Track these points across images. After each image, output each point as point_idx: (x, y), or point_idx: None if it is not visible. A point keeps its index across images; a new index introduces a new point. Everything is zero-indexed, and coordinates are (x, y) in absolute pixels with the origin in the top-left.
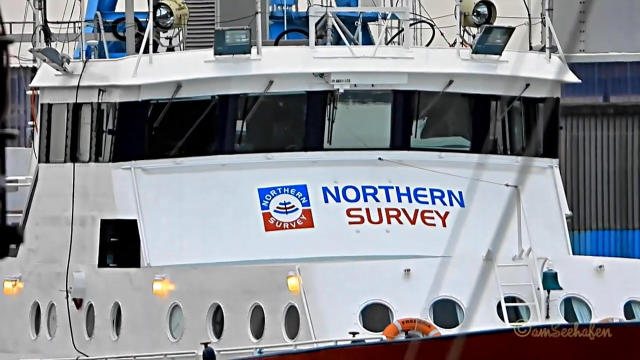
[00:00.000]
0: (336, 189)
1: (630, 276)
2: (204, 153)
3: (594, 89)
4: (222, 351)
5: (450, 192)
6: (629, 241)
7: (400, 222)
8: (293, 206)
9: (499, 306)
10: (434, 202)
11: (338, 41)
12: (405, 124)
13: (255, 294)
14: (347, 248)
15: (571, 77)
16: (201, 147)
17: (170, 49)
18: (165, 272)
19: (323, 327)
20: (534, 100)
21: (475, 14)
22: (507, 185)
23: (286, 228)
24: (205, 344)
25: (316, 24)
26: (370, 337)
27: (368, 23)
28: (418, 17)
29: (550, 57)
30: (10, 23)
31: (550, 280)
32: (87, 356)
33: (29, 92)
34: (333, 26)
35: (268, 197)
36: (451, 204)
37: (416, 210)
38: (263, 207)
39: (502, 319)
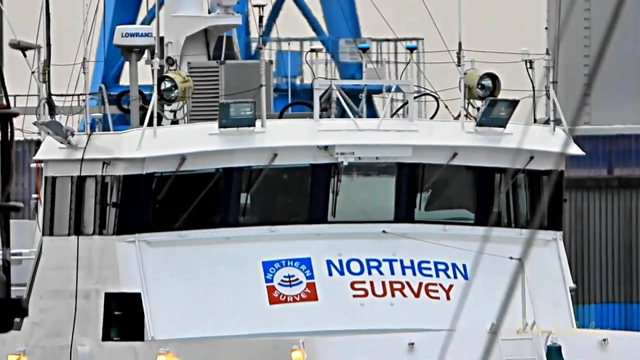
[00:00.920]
0: (340, 261)
1: (635, 350)
2: (208, 226)
3: (599, 162)
4: None
5: (454, 265)
6: (634, 314)
7: (405, 295)
8: (297, 279)
9: None
10: (438, 275)
11: (342, 114)
12: (409, 196)
13: None
14: (351, 321)
15: (576, 150)
16: (205, 219)
17: (175, 122)
18: (170, 345)
19: None
20: (538, 172)
21: (479, 86)
22: (511, 258)
23: (290, 301)
24: None
25: (320, 97)
26: None
27: (372, 96)
28: (422, 89)
29: (554, 130)
30: (15, 96)
31: (554, 354)
32: None
33: (33, 165)
34: (337, 99)
35: (272, 270)
36: (455, 277)
37: (420, 283)
38: (267, 280)
39: None
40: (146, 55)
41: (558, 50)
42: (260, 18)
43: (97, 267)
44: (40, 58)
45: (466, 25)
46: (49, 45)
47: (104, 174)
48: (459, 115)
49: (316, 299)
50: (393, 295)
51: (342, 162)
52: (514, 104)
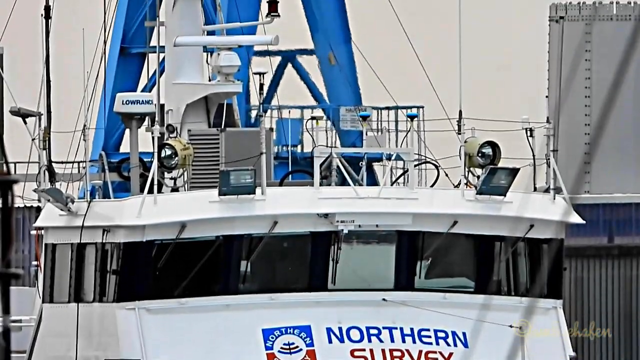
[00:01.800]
0: (340, 329)
1: None
2: (208, 293)
3: (599, 230)
4: None
5: (454, 333)
6: None
7: None
8: (297, 347)
9: None
10: (437, 343)
11: (343, 182)
12: (409, 264)
13: None
14: None
15: (576, 219)
16: (205, 287)
17: (175, 189)
18: None
19: None
20: (538, 241)
21: (480, 154)
22: (511, 326)
23: None
24: None
25: (321, 165)
26: None
27: (373, 163)
28: (423, 157)
29: (555, 198)
30: (15, 163)
31: None
32: None
33: (33, 232)
34: (338, 167)
35: (272, 338)
36: (455, 345)
37: (420, 351)
38: (267, 348)
39: None
40: (147, 122)
41: (559, 118)
42: (261, 86)
43: (97, 335)
44: (40, 125)
45: (467, 93)
46: (49, 112)
47: (104, 241)
48: (459, 184)
49: None
50: None
51: (342, 230)
52: (514, 172)
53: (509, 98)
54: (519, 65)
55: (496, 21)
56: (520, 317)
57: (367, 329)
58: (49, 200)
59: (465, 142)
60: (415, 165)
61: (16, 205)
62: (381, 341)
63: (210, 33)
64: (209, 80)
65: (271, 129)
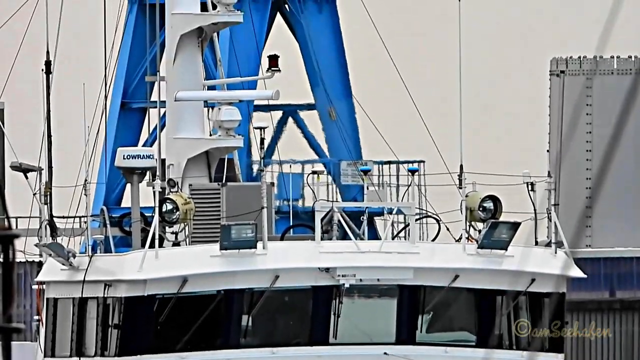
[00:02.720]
0: None
1: None
2: (209, 348)
3: (600, 284)
4: None
5: None
6: None
7: None
8: None
9: None
10: None
11: (344, 236)
12: (410, 318)
13: None
14: None
15: (577, 272)
16: (207, 341)
17: (176, 243)
18: None
19: None
20: (539, 295)
21: (481, 209)
22: None
23: None
24: None
25: (322, 219)
26: None
27: (374, 218)
28: (424, 212)
29: (556, 252)
30: (16, 217)
31: None
32: None
33: (35, 287)
34: (339, 221)
35: None
36: None
37: None
38: None
39: None
40: (148, 177)
41: (559, 172)
42: (262, 140)
43: None
44: (41, 180)
45: (467, 147)
46: (50, 167)
47: (105, 295)
48: (460, 238)
49: None
50: None
51: (344, 284)
52: (515, 226)
53: (509, 152)
54: (520, 118)
55: (497, 75)
56: None
57: None
58: (50, 255)
59: (467, 196)
60: (416, 220)
61: (17, 260)
62: None
63: (211, 88)
64: (210, 135)
65: (272, 184)
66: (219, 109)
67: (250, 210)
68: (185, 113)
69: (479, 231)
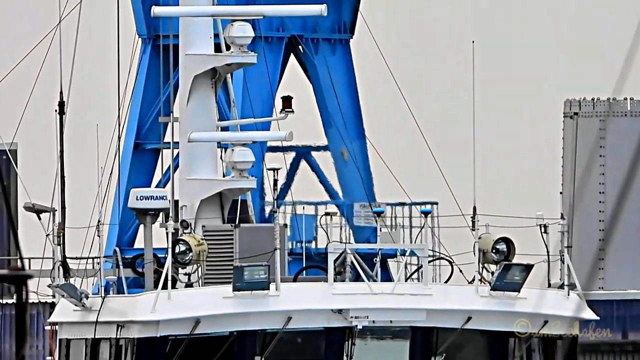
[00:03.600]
0: None
1: None
2: None
3: (613, 326)
4: None
5: None
6: None
7: None
8: None
9: None
10: None
11: (357, 278)
12: None
13: None
14: None
15: (590, 315)
16: None
17: (189, 284)
18: None
19: None
20: (552, 337)
21: (494, 251)
22: None
23: None
24: None
25: (335, 261)
26: None
27: (387, 259)
28: (437, 253)
29: (568, 294)
30: (29, 258)
31: None
32: None
33: (48, 327)
34: (352, 263)
35: None
36: None
37: None
38: None
39: None
40: (161, 218)
41: (573, 214)
42: (275, 181)
43: None
44: (54, 221)
45: (480, 189)
46: (63, 208)
47: (118, 336)
48: (473, 280)
49: None
50: None
51: (357, 325)
52: (528, 268)
53: (523, 193)
54: (534, 160)
55: (511, 116)
56: None
57: None
58: (63, 296)
59: (480, 238)
60: (429, 261)
61: (30, 301)
62: None
63: (225, 128)
64: (223, 176)
65: (285, 225)
66: (232, 150)
67: (263, 252)
68: (199, 154)
69: (492, 273)
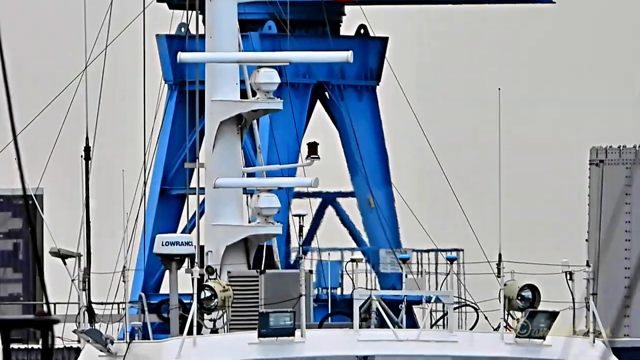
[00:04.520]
0: None
1: None
2: None
3: None
4: None
5: None
6: None
7: None
8: None
9: None
10: None
11: (382, 324)
12: None
13: None
14: None
15: None
16: None
17: (214, 330)
18: None
19: None
20: None
21: (519, 298)
22: None
23: None
24: None
25: (360, 307)
26: None
27: (412, 306)
28: (462, 300)
29: (594, 342)
30: (55, 303)
31: None
32: None
33: None
34: (377, 309)
35: None
36: None
37: None
38: None
39: None
40: (186, 264)
41: (598, 262)
42: (301, 227)
43: None
44: (80, 266)
45: (506, 236)
46: (89, 253)
47: None
48: (498, 327)
49: None
50: None
51: None
52: (553, 315)
53: (548, 240)
54: (559, 207)
55: (536, 162)
56: None
57: None
58: (88, 341)
59: (505, 285)
60: (454, 308)
61: (56, 346)
62: None
63: (250, 174)
64: (249, 222)
65: (310, 271)
66: (258, 196)
67: (288, 298)
68: (225, 200)
69: (518, 320)
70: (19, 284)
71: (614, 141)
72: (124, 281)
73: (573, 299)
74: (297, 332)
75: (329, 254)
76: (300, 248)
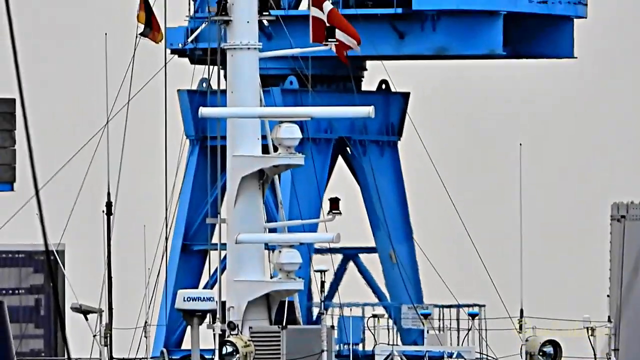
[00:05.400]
0: None
1: None
2: None
3: None
4: None
5: None
6: None
7: None
8: None
9: None
10: None
11: None
12: None
13: None
14: None
15: None
16: None
17: None
18: None
19: None
20: None
21: (541, 353)
22: None
23: None
24: None
25: None
26: None
27: None
28: (484, 356)
29: None
30: (77, 359)
31: None
32: None
33: None
34: None
35: None
36: None
37: None
38: None
39: None
40: (208, 319)
41: (620, 318)
42: (322, 283)
43: None
44: (102, 322)
45: (527, 291)
46: (110, 309)
47: None
48: None
49: None
50: None
51: None
52: None
53: (570, 296)
54: (581, 263)
55: (557, 218)
56: None
57: None
58: None
59: (527, 340)
60: None
61: None
62: None
63: (272, 230)
64: (271, 278)
65: (332, 327)
66: (280, 251)
67: (310, 354)
68: (246, 255)
69: None
70: (40, 339)
71: (636, 196)
72: (145, 336)
73: (595, 354)
74: None
75: (350, 309)
76: (322, 303)
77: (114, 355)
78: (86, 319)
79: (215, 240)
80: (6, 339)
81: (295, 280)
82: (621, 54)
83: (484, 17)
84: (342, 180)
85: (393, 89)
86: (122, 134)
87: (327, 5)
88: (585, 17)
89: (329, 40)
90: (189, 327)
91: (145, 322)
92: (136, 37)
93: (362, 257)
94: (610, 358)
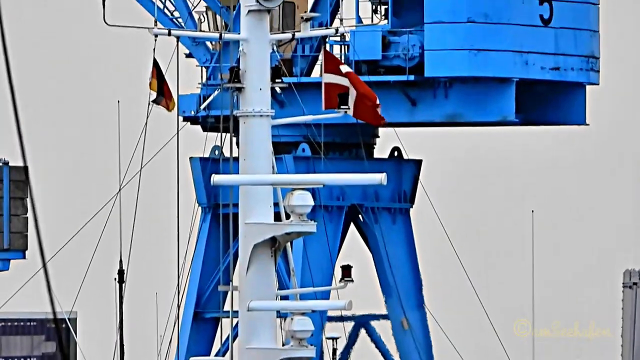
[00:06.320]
0: None
1: None
2: None
3: None
4: None
5: None
6: None
7: None
8: None
9: None
10: None
11: None
12: None
13: None
14: None
15: None
16: None
17: None
18: None
19: None
20: None
21: None
22: None
23: None
24: None
25: None
26: None
27: None
28: None
29: None
30: None
31: None
32: None
33: None
34: None
35: None
36: None
37: None
38: None
39: None
40: None
41: None
42: (334, 350)
43: None
44: None
45: (539, 355)
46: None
47: None
48: None
49: None
50: None
51: None
52: None
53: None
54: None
55: (569, 286)
56: None
57: None
58: None
59: None
60: None
61: None
62: None
63: (284, 297)
64: (283, 345)
65: None
66: (292, 318)
67: None
68: (258, 323)
69: None
70: None
71: None
72: None
73: None
74: None
75: None
76: None
77: None
78: None
79: (227, 307)
80: None
81: (307, 348)
82: (634, 120)
83: (496, 84)
84: (354, 247)
85: (405, 156)
86: (134, 201)
87: (345, 68)
88: (598, 84)
89: (341, 107)
90: None
91: None
92: (148, 104)
93: (374, 324)
94: None
